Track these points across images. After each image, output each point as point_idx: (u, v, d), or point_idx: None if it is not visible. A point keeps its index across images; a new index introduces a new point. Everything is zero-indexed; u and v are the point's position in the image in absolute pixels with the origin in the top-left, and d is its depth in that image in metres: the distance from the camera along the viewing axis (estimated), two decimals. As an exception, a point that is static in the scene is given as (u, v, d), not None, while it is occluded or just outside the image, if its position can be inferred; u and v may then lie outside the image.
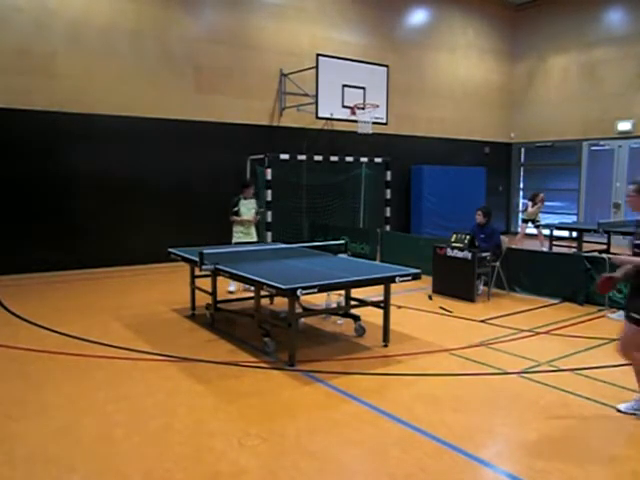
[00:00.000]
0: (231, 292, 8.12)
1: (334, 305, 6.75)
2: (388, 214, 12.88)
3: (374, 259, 10.77)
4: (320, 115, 11.60)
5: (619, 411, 4.24)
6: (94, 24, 10.36)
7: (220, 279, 6.47)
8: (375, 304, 6.01)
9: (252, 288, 7.95)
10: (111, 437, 3.84)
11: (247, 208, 8.26)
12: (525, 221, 13.20)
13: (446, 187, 14.82)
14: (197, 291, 7.22)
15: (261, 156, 11.20)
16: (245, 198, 8.26)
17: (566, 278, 7.88)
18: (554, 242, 11.99)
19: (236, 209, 8.16)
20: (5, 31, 9.59)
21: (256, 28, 12.28)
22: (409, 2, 15.05)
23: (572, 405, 4.40)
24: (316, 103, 11.47)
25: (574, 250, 11.25)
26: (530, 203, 13.04)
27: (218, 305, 6.72)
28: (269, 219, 11.16)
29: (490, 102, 17.12)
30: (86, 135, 10.31)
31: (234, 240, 8.28)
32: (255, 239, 8.46)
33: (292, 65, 12.43)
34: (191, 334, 6.37)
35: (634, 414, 4.19)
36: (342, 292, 6.57)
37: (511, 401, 4.45)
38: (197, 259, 6.16)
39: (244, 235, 8.25)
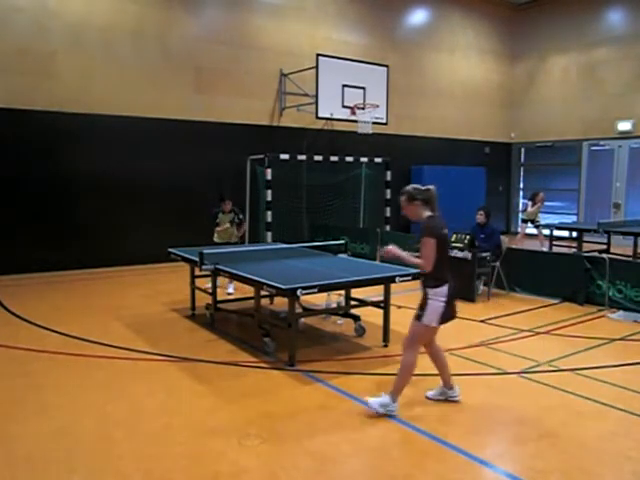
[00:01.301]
0: (230, 294, 8.16)
1: (334, 305, 6.76)
2: (388, 214, 12.86)
3: (374, 259, 10.76)
4: (320, 115, 11.59)
5: (427, 398, 4.46)
6: (94, 24, 10.36)
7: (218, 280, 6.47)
8: (375, 304, 6.02)
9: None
10: (111, 437, 3.84)
11: (224, 222, 8.63)
12: (525, 221, 13.18)
13: (446, 187, 14.58)
14: (197, 291, 7.23)
15: (261, 156, 11.19)
16: (223, 212, 8.60)
17: (566, 278, 7.88)
18: (554, 242, 11.99)
19: (217, 221, 8.64)
20: (5, 31, 9.59)
21: (256, 28, 12.28)
22: (409, 2, 15.05)
23: (572, 405, 4.40)
24: (316, 103, 11.46)
25: (574, 250, 11.25)
26: (530, 203, 13.02)
27: (218, 305, 6.73)
28: (269, 219, 11.16)
29: (490, 102, 17.12)
30: (86, 135, 10.31)
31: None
32: (232, 241, 8.82)
33: (292, 65, 12.43)
34: (191, 334, 6.37)
35: (439, 399, 4.44)
36: (342, 292, 6.58)
37: (511, 401, 4.45)
38: (197, 259, 6.17)
39: (218, 239, 8.71)
